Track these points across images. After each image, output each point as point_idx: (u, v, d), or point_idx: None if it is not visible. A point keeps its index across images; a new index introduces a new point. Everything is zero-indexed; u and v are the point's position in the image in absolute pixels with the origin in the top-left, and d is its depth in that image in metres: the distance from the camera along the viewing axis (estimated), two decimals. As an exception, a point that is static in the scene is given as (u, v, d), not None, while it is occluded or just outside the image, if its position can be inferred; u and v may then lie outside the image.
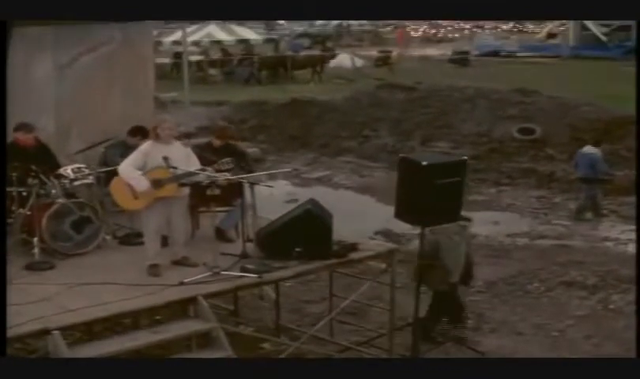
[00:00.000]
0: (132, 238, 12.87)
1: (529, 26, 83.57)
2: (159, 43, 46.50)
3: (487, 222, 22.47)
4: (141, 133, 13.43)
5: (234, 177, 12.02)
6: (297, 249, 11.99)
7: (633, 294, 16.43)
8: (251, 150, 25.97)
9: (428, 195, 12.05)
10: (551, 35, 74.26)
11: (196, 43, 51.13)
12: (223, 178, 11.92)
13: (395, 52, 59.22)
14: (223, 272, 11.35)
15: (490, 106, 31.54)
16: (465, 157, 13.17)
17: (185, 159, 11.59)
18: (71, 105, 15.09)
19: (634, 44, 62.82)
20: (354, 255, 12.64)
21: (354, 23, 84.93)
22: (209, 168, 11.73)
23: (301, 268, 11.97)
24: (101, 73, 15.53)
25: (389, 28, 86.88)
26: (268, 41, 57.33)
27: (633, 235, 20.53)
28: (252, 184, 12.16)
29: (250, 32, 53.89)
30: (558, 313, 15.86)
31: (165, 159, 11.28)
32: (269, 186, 12.38)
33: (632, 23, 68.32)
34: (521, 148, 28.78)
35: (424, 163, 12.13)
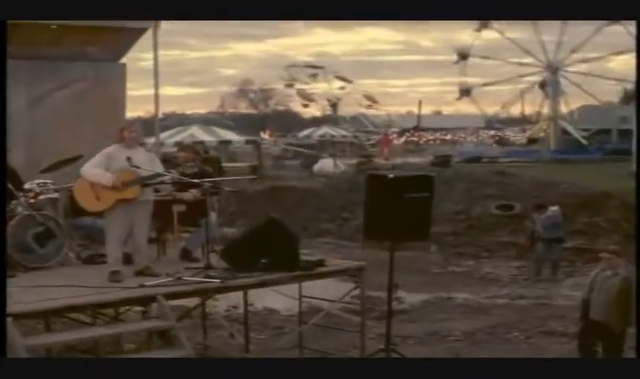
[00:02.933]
0: (96, 258, 12.59)
1: (510, 134, 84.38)
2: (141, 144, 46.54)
3: (464, 286, 22.37)
4: None
5: (198, 180, 11.87)
6: (263, 261, 11.75)
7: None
8: (230, 230, 25.76)
9: (396, 209, 11.92)
10: (531, 141, 75.08)
11: (178, 144, 51.32)
12: (186, 180, 11.78)
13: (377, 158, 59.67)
14: (185, 278, 11.10)
15: (468, 187, 31.70)
16: (433, 173, 13.06)
17: (148, 162, 11.47)
18: (42, 139, 14.99)
19: (614, 146, 63.77)
20: (321, 269, 12.42)
21: (337, 134, 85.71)
22: (173, 171, 11.58)
23: (267, 278, 11.70)
24: (73, 110, 15.51)
25: (371, 141, 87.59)
26: (249, 142, 57.66)
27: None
28: (217, 190, 11.94)
29: (231, 134, 54.27)
30: (538, 356, 15.56)
31: (128, 159, 11.16)
32: (232, 191, 12.23)
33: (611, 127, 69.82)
34: (500, 223, 28.85)
35: (391, 175, 12.04)
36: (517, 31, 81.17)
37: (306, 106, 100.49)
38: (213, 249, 12.11)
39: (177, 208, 12.51)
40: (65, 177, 13.28)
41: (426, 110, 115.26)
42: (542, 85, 79.65)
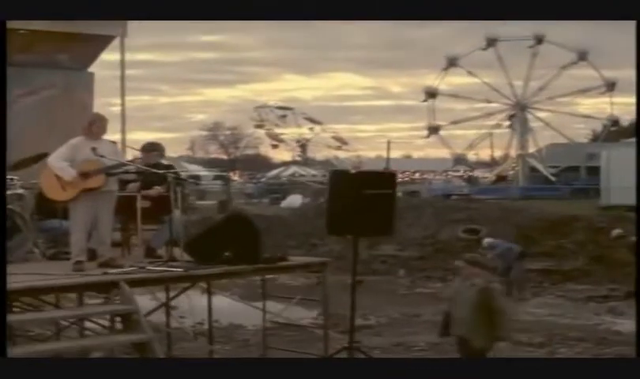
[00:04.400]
0: (60, 255, 12.60)
1: (479, 174, 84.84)
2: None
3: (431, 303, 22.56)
4: None
5: (161, 171, 12.02)
6: (226, 254, 11.81)
7: (580, 348, 16.52)
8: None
9: (358, 204, 12.05)
10: (500, 178, 75.50)
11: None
12: (150, 170, 11.92)
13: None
14: (148, 267, 11.29)
15: (436, 212, 31.92)
16: (395, 171, 13.20)
17: (113, 154, 11.65)
18: (10, 145, 14.97)
19: (583, 183, 64.32)
20: (284, 263, 12.62)
21: (306, 174, 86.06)
22: (137, 161, 11.74)
23: (229, 269, 11.76)
24: (42, 117, 15.55)
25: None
26: (217, 178, 57.83)
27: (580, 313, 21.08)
28: (180, 181, 12.03)
29: (200, 169, 54.45)
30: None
31: (93, 149, 11.31)
32: (196, 183, 12.34)
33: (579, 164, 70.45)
34: (467, 247, 29.01)
35: (353, 171, 12.19)
36: (486, 73, 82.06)
37: (275, 146, 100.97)
38: (176, 242, 12.21)
39: (141, 204, 12.57)
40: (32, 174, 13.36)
41: (396, 154, 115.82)
42: (511, 118, 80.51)
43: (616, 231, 24.20)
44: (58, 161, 11.39)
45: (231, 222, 12.15)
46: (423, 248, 29.70)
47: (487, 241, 25.05)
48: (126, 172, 11.88)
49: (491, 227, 29.71)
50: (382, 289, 24.35)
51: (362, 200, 12.06)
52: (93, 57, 16.47)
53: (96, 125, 11.66)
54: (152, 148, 13.33)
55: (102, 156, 11.30)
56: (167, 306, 13.59)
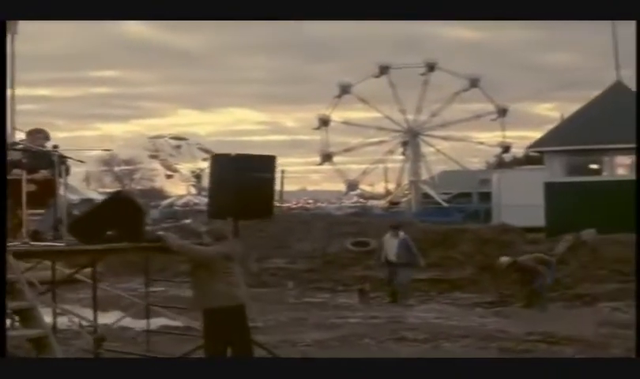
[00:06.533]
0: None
1: (372, 201, 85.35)
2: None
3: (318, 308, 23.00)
4: None
5: (47, 149, 12.01)
6: (109, 232, 11.83)
7: (464, 343, 16.76)
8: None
9: (237, 187, 12.16)
10: (393, 204, 76.10)
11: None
12: (36, 149, 11.93)
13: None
14: (32, 243, 11.37)
15: (326, 226, 32.16)
16: (274, 155, 13.31)
17: None
18: None
19: (475, 208, 65.34)
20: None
21: (200, 202, 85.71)
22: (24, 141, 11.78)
23: (111, 246, 11.90)
24: None
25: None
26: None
27: (466, 316, 21.52)
28: (64, 159, 12.01)
29: (95, 194, 54.12)
30: (389, 357, 15.85)
31: None
32: (81, 161, 12.37)
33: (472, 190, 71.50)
34: (356, 259, 29.35)
35: (233, 154, 12.33)
36: (379, 100, 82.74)
37: (169, 176, 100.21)
38: (61, 220, 12.19)
39: (27, 188, 12.47)
40: None
41: (291, 187, 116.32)
42: (403, 145, 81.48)
43: (504, 259, 23.84)
44: None
45: (115, 202, 12.22)
46: (312, 261, 29.96)
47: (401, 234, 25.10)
48: (14, 150, 11.81)
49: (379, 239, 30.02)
50: (271, 299, 24.38)
51: (241, 182, 12.15)
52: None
53: None
54: (37, 132, 13.25)
55: None
56: (53, 291, 13.59)
